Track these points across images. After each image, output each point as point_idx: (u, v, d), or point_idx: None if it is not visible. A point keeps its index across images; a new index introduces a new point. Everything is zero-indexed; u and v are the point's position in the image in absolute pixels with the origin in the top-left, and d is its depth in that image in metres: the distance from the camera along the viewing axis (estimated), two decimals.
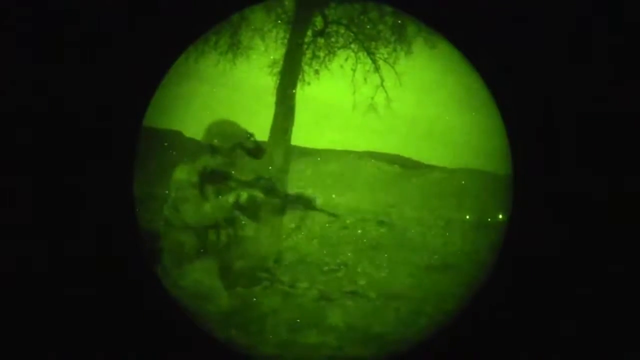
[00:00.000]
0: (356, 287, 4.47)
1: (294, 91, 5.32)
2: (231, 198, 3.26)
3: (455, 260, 5.48)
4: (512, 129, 3.43)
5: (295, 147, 5.67)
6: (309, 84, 5.61)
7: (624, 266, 3.28)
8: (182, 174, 3.22)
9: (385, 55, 5.43)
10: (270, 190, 3.33)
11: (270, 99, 5.36)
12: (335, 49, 5.57)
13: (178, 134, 6.54)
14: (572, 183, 3.34)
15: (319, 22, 5.49)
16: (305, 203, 3.36)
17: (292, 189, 5.69)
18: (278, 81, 5.36)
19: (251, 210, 3.32)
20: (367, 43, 5.45)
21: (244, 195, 3.24)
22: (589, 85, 3.33)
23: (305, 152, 5.66)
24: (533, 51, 3.37)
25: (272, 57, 5.58)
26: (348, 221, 7.15)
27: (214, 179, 3.28)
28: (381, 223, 7.90)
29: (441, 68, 5.54)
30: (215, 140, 3.21)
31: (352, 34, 5.48)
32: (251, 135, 3.26)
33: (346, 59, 5.55)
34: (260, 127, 5.45)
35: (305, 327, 3.54)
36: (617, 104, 3.31)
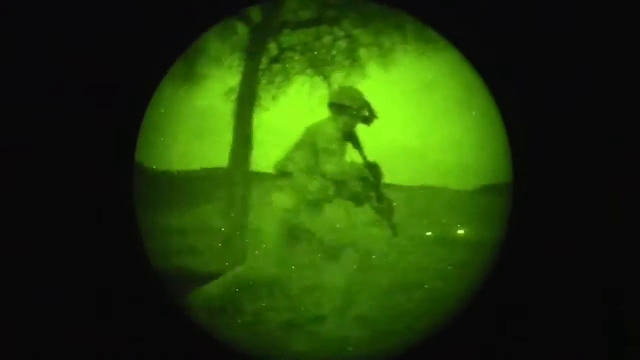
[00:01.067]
0: (324, 312, 4.43)
1: (251, 117, 5.38)
2: (360, 164, 3.57)
3: (424, 278, 5.47)
4: (512, 137, 3.48)
5: (256, 173, 5.67)
6: (267, 109, 5.66)
7: (622, 268, 3.28)
8: (330, 128, 3.45)
9: (341, 80, 5.52)
10: (376, 180, 3.53)
11: (228, 126, 5.40)
12: (292, 75, 5.64)
13: (138, 165, 6.47)
14: (573, 186, 3.35)
15: (273, 48, 5.56)
16: (390, 207, 3.56)
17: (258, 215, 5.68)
18: (235, 108, 5.40)
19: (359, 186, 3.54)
20: (322, 68, 5.54)
21: (365, 171, 3.55)
22: (589, 86, 3.35)
23: (267, 177, 5.66)
24: (533, 52, 3.39)
25: (229, 85, 5.62)
26: None
27: (352, 141, 3.51)
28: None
29: (408, 87, 5.62)
30: (347, 101, 3.48)
31: (307, 60, 5.56)
32: (369, 103, 3.56)
33: (303, 85, 5.63)
34: (218, 154, 5.47)
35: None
36: (617, 105, 3.33)
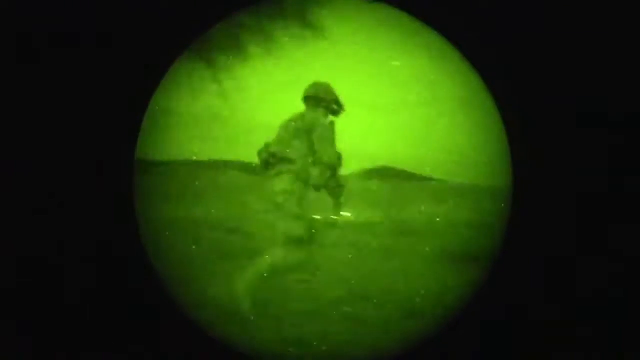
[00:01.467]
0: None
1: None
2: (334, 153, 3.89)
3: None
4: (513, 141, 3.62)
5: (140, 160, 5.55)
6: (154, 96, 5.55)
7: (620, 273, 3.48)
8: (323, 118, 3.83)
9: (222, 64, 5.54)
10: (339, 167, 3.93)
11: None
12: (176, 62, 5.57)
13: None
14: (573, 188, 3.49)
15: None
16: (341, 189, 3.93)
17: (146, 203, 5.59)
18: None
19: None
20: (204, 53, 5.52)
21: (340, 161, 3.88)
22: (589, 87, 3.46)
23: (152, 165, 5.60)
24: (532, 52, 3.48)
25: None
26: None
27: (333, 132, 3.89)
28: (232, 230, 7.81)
29: (297, 70, 5.70)
30: (322, 93, 3.85)
31: (189, 46, 5.51)
32: (338, 96, 3.94)
33: (185, 70, 5.58)
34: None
35: None
36: (617, 105, 3.45)
